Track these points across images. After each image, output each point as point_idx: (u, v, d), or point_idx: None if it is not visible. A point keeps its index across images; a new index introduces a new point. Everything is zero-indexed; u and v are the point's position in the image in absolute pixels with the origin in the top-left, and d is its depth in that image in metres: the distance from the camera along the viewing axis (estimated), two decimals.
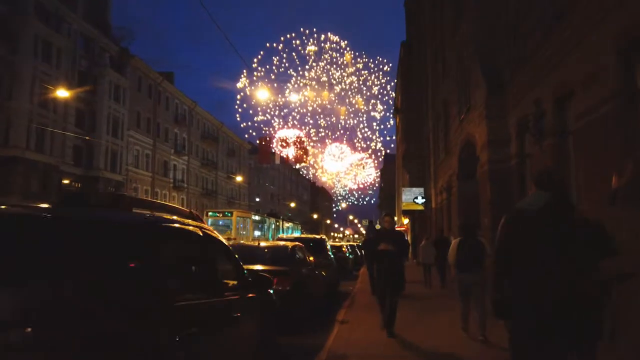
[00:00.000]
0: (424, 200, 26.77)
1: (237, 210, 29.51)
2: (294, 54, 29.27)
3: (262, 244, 7.56)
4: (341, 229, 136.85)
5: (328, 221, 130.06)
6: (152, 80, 45.52)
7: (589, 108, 6.97)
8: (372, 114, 36.18)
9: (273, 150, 45.60)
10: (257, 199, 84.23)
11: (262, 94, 19.16)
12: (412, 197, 27.33)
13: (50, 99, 30.99)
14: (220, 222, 24.89)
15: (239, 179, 58.56)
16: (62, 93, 26.70)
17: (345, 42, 29.97)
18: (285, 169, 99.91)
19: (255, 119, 32.51)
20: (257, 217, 31.08)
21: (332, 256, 12.19)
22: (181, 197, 51.72)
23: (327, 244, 12.34)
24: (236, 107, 30.90)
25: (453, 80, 16.71)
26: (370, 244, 11.89)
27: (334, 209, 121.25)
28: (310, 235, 13.81)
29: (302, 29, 47.48)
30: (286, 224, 39.76)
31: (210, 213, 26.36)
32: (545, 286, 2.50)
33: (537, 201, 2.69)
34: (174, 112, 50.70)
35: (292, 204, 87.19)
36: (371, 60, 33.39)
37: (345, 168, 41.83)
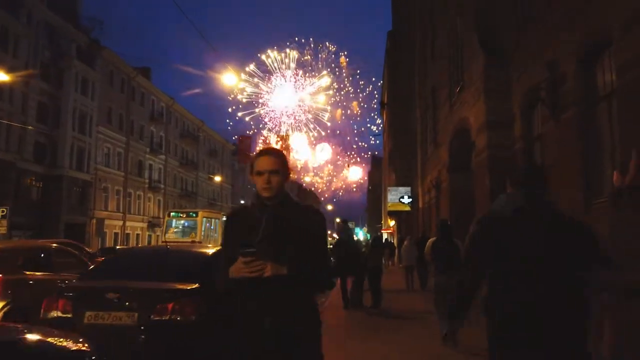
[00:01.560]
0: (410, 199, 24.71)
1: (203, 210, 27.08)
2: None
3: (173, 249, 5.34)
4: (329, 231, 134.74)
5: None
6: (126, 74, 42.96)
7: (637, 58, 4.89)
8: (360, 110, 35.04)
9: (253, 152, 43.68)
10: (242, 201, 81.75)
11: (229, 79, 16.97)
12: (398, 197, 25.27)
13: (7, 89, 28.46)
14: (186, 224, 22.50)
15: (217, 179, 55.91)
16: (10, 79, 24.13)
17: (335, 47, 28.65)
18: None
19: (238, 115, 30.81)
20: None
21: None
22: (157, 198, 49.16)
23: None
24: (229, 109, 29.35)
25: (444, 58, 14.67)
26: (343, 249, 9.74)
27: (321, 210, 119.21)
28: None
29: (297, 38, 46.69)
30: None
31: (172, 213, 23.92)
32: (521, 300, 2.18)
33: (513, 202, 2.37)
34: (150, 109, 48.11)
35: None
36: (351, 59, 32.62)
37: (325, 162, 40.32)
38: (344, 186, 53.71)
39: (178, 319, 3.99)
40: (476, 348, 5.43)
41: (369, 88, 32.33)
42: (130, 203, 43.86)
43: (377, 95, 38.72)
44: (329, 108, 38.15)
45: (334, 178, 46.83)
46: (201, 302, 4.11)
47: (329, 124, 38.54)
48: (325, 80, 33.46)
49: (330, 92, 35.11)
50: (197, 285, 4.27)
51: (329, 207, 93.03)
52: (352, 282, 10.08)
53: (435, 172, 17.63)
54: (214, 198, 65.95)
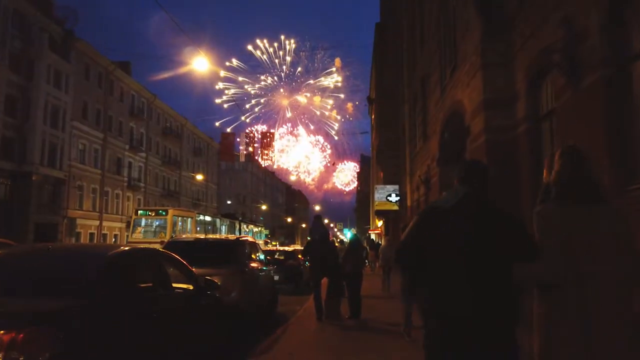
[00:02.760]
0: (398, 198, 23.35)
1: (174, 208, 25.47)
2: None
3: (59, 248, 3.87)
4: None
5: (304, 225, 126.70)
6: (103, 68, 41.16)
7: None
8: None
9: (238, 150, 42.27)
10: (229, 202, 80.00)
11: (201, 63, 15.51)
12: (386, 195, 23.89)
13: None
14: (155, 223, 20.88)
15: (199, 177, 54.09)
16: None
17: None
18: (259, 171, 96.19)
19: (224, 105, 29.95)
20: (205, 218, 27.00)
21: (262, 267, 8.50)
22: (137, 198, 47.33)
23: (250, 248, 8.28)
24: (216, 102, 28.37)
25: (434, 43, 13.30)
26: (316, 250, 8.31)
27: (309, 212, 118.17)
28: (214, 237, 9.57)
29: (283, 37, 46.11)
30: (248, 227, 35.81)
31: (140, 212, 22.22)
32: (451, 295, 2.26)
33: (455, 196, 2.44)
34: (130, 105, 46.31)
35: (264, 207, 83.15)
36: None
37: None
38: (332, 187, 52.54)
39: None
40: None
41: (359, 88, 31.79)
42: (108, 202, 42.06)
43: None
44: (327, 112, 37.58)
45: (325, 179, 45.90)
46: (64, 334, 2.64)
47: (332, 132, 38.02)
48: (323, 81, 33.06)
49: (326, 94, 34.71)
50: (64, 305, 2.79)
51: (317, 208, 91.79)
52: (327, 289, 8.65)
53: (424, 168, 16.28)
54: (198, 198, 64.19)
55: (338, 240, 19.64)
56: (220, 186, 78.99)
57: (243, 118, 41.86)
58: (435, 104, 12.95)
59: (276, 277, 13.28)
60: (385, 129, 28.62)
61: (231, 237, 7.84)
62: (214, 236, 8.31)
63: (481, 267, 2.21)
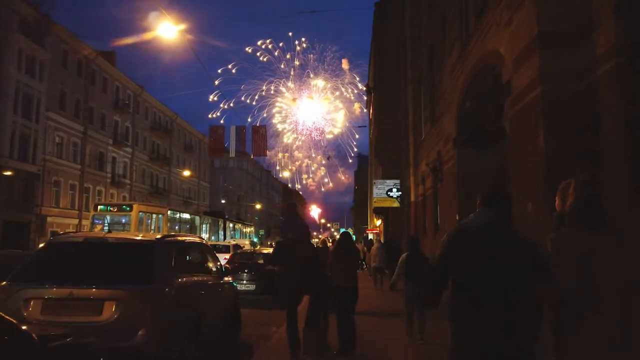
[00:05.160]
0: (400, 193, 20.76)
1: (139, 203, 22.69)
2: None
3: None
4: (314, 233, 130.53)
5: None
6: (83, 56, 38.44)
7: None
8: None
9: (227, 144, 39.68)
10: (223, 201, 77.23)
11: (166, 30, 12.93)
12: (386, 191, 21.30)
13: None
14: (118, 220, 18.23)
15: (186, 173, 51.22)
16: None
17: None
18: (254, 169, 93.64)
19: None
20: (181, 215, 24.17)
21: (216, 281, 5.83)
22: (122, 195, 44.54)
23: (187, 252, 5.46)
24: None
25: None
26: (287, 253, 5.72)
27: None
28: (120, 235, 6.19)
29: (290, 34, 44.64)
30: (235, 226, 33.07)
31: (100, 207, 19.54)
32: (478, 316, 2.44)
33: (481, 219, 2.66)
34: (114, 96, 43.57)
35: (258, 206, 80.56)
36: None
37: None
38: (331, 185, 50.31)
39: None
40: None
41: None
42: (89, 199, 39.32)
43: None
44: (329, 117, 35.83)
45: (325, 178, 43.76)
46: None
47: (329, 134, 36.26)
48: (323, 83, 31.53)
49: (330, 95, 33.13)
50: None
51: (314, 207, 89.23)
52: (307, 312, 6.06)
53: (433, 155, 13.72)
54: (189, 197, 61.51)
55: (330, 240, 16.95)
56: (214, 185, 76.35)
57: (250, 119, 39.78)
58: (450, 71, 10.34)
59: (251, 287, 10.70)
60: (384, 119, 26.07)
61: (150, 235, 5.05)
62: (120, 235, 5.49)
63: (509, 289, 2.41)
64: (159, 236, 4.89)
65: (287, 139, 36.46)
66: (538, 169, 5.45)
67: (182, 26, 14.52)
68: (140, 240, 4.90)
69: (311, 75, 33.16)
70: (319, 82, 31.95)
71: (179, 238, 5.38)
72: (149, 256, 4.37)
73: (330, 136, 35.96)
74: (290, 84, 34.76)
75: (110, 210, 19.23)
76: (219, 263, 6.52)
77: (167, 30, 13.73)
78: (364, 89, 35.12)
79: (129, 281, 4.08)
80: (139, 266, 4.27)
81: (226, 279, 6.62)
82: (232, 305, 6.55)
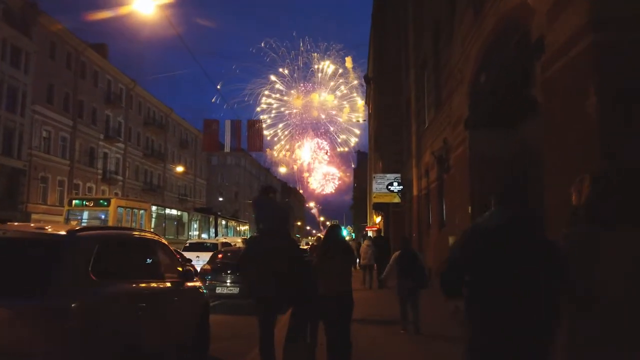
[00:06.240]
0: (401, 187, 19.49)
1: (118, 198, 21.36)
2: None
3: None
4: (314, 231, 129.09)
5: (299, 223, 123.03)
6: (73, 48, 37.10)
7: None
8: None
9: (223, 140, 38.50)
10: (220, 199, 75.88)
11: (144, 6, 11.69)
12: (386, 185, 20.03)
13: None
14: (97, 215, 16.96)
15: (179, 169, 49.74)
16: None
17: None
18: (252, 167, 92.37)
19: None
20: (166, 211, 22.77)
21: (175, 286, 4.55)
22: (114, 192, 43.24)
23: (123, 251, 4.12)
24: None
25: None
26: (258, 252, 4.45)
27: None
28: (17, 231, 4.79)
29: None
30: (228, 223, 31.76)
31: (75, 202, 18.23)
32: (495, 316, 2.40)
33: (498, 217, 2.57)
34: (105, 90, 42.23)
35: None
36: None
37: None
38: (332, 183, 49.28)
39: None
40: None
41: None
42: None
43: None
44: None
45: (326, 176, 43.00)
46: None
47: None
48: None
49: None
50: None
51: (311, 205, 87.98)
52: (289, 324, 4.79)
53: (438, 143, 12.45)
54: (185, 194, 60.21)
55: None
56: (211, 182, 75.05)
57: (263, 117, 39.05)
58: (462, 42, 9.03)
59: (234, 291, 9.43)
60: (385, 111, 24.79)
61: (61, 228, 3.75)
62: (20, 228, 4.01)
63: (526, 290, 2.36)
64: (72, 230, 3.60)
65: (286, 136, 35.48)
66: (587, 143, 4.18)
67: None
68: (43, 235, 3.62)
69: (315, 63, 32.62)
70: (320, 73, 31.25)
71: (108, 232, 4.09)
72: (50, 258, 3.04)
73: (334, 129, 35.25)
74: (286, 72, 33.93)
75: (86, 205, 17.93)
76: (183, 265, 5.25)
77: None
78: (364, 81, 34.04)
79: (15, 294, 2.80)
80: (33, 273, 2.97)
81: (192, 283, 5.34)
82: (196, 317, 5.25)
